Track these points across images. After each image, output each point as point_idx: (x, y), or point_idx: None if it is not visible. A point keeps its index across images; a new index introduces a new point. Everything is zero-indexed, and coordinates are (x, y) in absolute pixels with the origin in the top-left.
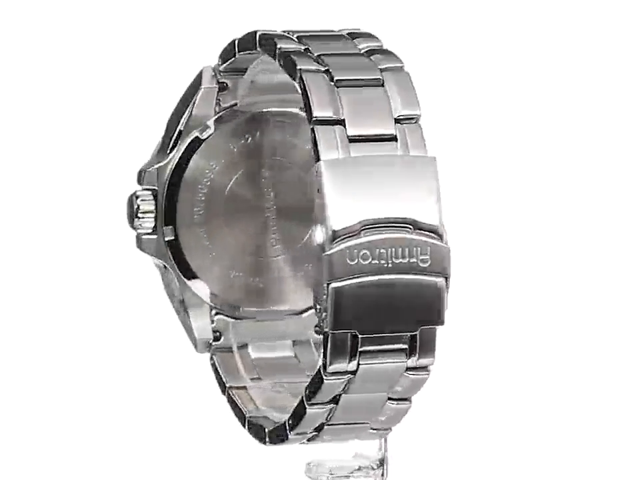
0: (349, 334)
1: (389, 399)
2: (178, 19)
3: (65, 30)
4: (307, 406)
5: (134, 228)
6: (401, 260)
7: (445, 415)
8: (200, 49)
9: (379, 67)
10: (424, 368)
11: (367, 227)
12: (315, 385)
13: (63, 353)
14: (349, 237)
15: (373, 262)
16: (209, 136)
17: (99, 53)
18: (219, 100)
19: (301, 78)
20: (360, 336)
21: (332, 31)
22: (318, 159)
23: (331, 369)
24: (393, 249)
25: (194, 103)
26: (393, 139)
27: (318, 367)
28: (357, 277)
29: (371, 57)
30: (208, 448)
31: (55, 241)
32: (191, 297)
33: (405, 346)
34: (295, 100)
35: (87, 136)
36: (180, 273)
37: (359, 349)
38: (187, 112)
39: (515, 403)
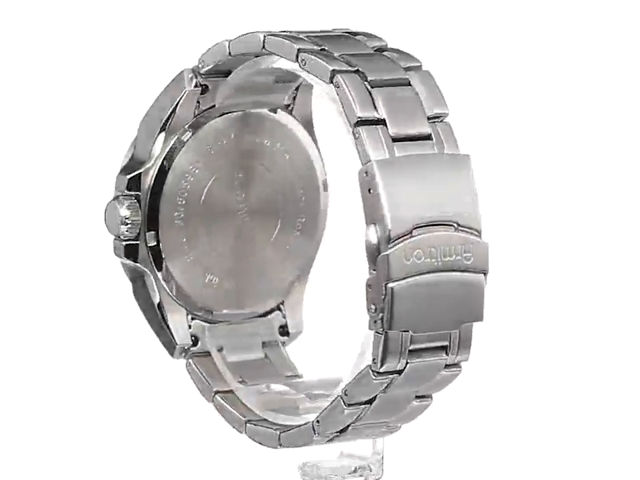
0: (402, 333)
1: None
2: (140, 22)
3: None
4: (345, 407)
5: (117, 236)
6: (448, 258)
7: (442, 415)
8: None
9: (402, 66)
10: (457, 365)
11: (417, 226)
12: (361, 384)
13: (34, 363)
14: (404, 236)
15: (426, 260)
16: (189, 138)
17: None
18: (199, 102)
19: (337, 79)
20: (412, 334)
21: (330, 31)
22: (367, 160)
23: (383, 368)
24: (442, 248)
25: (176, 106)
26: (429, 137)
27: (365, 367)
28: (412, 276)
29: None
30: (189, 455)
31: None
32: (169, 302)
33: (446, 343)
34: (267, 102)
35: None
36: (160, 278)
37: (409, 348)
38: (168, 114)
39: (512, 403)
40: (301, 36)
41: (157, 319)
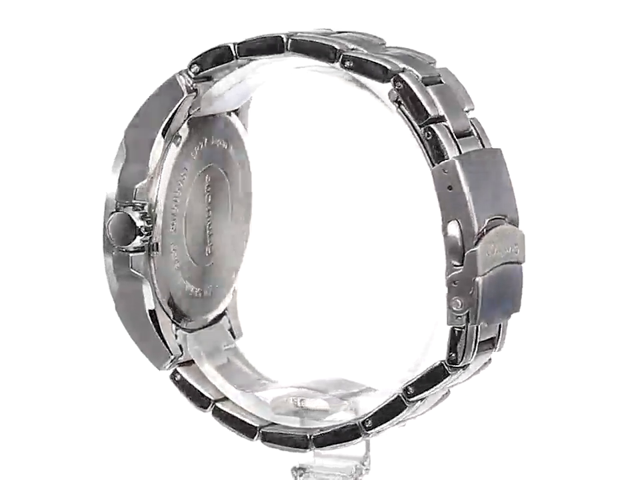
0: (477, 326)
1: None
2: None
3: None
4: (407, 404)
5: (125, 248)
6: (507, 251)
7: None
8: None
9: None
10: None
11: (489, 219)
12: (429, 381)
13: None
14: (483, 231)
15: (497, 254)
16: (180, 144)
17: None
18: (190, 107)
19: (397, 78)
20: (483, 327)
21: (328, 31)
22: (441, 157)
23: (461, 362)
24: (503, 241)
25: (176, 111)
26: (471, 133)
27: (436, 362)
28: (491, 270)
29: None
30: (179, 463)
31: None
32: (161, 312)
33: (495, 334)
34: (231, 106)
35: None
36: (157, 287)
37: (479, 341)
38: (167, 119)
39: (506, 401)
40: (324, 36)
41: (148, 330)
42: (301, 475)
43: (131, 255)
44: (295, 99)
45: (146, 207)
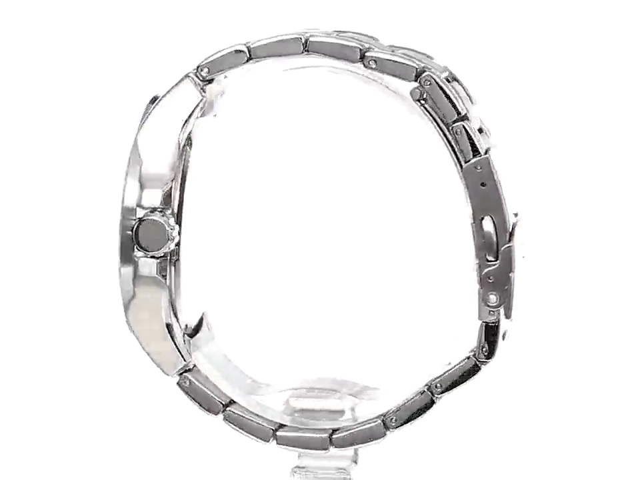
0: (508, 320)
1: None
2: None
3: None
4: (435, 400)
5: (152, 253)
6: (525, 245)
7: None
8: None
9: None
10: None
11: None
12: (457, 375)
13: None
14: (515, 226)
15: (522, 248)
16: (190, 149)
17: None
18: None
19: (426, 77)
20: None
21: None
22: (472, 155)
23: (493, 357)
24: (523, 234)
25: (191, 114)
26: (482, 129)
27: (465, 357)
28: (519, 264)
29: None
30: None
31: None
32: (174, 319)
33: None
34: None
35: None
36: (174, 293)
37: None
38: (182, 123)
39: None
40: (337, 36)
41: (163, 336)
42: (296, 474)
43: (157, 260)
44: (295, 100)
45: (169, 212)
